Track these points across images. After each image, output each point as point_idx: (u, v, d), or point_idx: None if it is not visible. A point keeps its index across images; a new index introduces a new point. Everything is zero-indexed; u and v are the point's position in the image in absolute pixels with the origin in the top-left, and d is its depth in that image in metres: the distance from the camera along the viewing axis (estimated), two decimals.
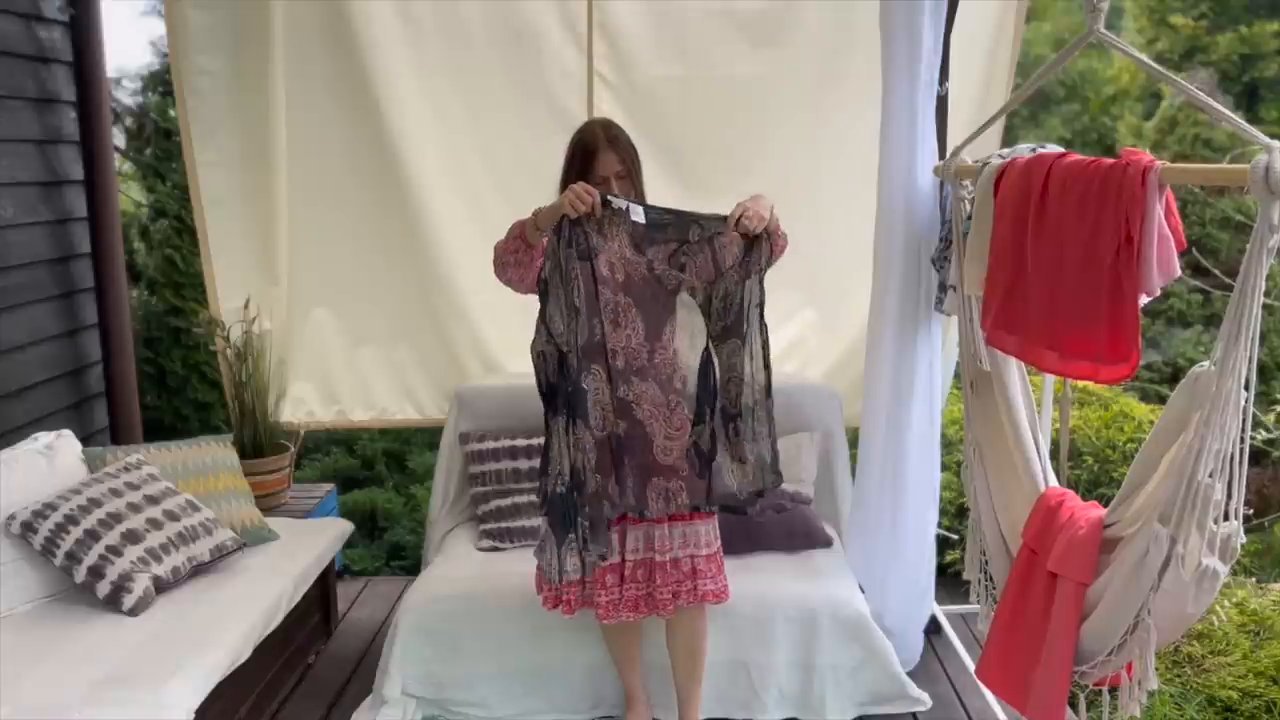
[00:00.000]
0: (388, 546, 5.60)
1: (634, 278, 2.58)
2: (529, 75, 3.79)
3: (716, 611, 2.89)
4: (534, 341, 2.57)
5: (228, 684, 2.69)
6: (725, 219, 2.54)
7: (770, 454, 2.64)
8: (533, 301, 4.25)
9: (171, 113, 6.30)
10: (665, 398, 2.61)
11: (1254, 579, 4.19)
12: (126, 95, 7.42)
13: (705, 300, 2.60)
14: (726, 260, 2.57)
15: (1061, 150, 2.36)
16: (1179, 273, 2.01)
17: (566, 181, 2.71)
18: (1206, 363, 1.89)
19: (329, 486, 4.35)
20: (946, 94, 3.17)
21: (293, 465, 4.11)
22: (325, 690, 3.31)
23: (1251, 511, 2.00)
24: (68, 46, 3.87)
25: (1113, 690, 2.21)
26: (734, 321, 2.57)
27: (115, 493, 2.97)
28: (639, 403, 2.60)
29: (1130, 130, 10.41)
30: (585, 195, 2.49)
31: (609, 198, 2.54)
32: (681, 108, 3.81)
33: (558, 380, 2.55)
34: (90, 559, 2.79)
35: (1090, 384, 4.83)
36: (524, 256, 2.64)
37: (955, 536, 4.30)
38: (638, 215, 2.55)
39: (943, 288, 2.98)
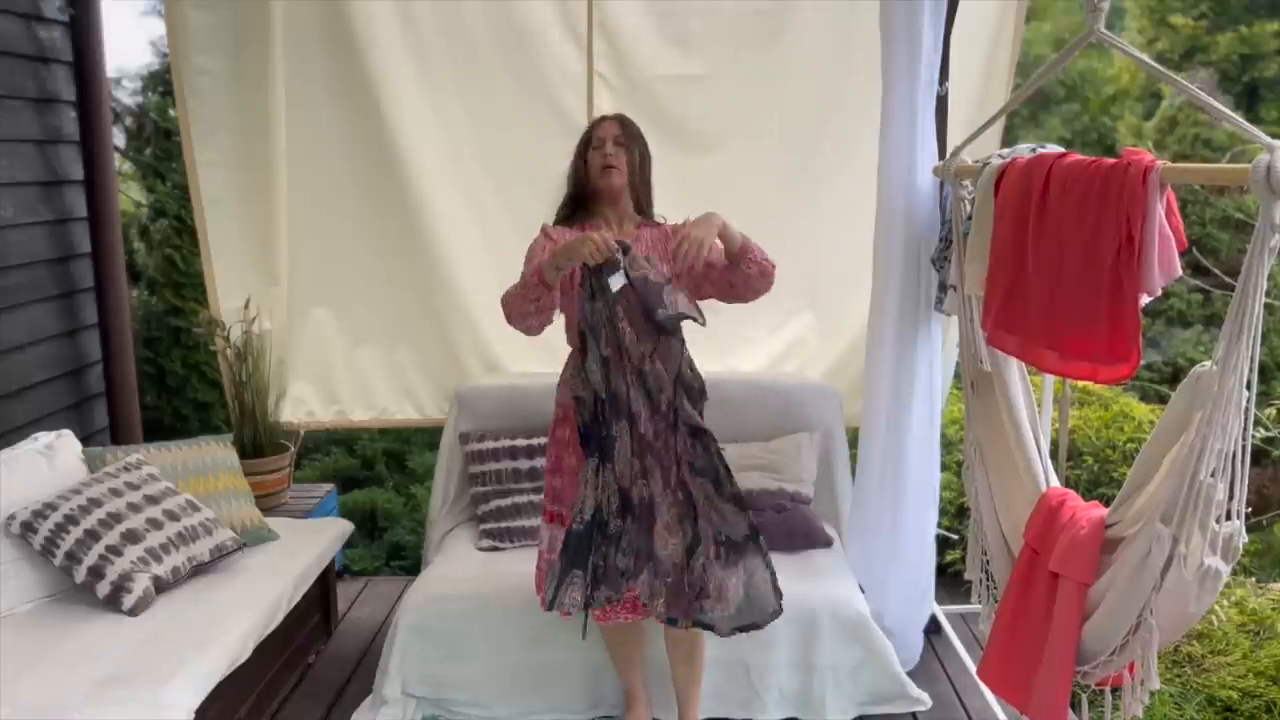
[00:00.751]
0: (388, 546, 5.61)
1: (633, 357, 2.55)
2: (529, 75, 3.79)
3: None
4: (573, 384, 2.60)
5: (228, 684, 2.69)
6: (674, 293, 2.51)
7: (767, 582, 2.57)
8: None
9: (171, 113, 6.30)
10: (666, 489, 2.58)
11: (1254, 579, 4.19)
12: (126, 95, 7.42)
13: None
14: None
15: (1062, 150, 2.36)
16: (1180, 272, 2.01)
17: (576, 169, 2.78)
18: (1208, 362, 1.89)
19: (329, 486, 4.35)
20: (946, 94, 3.17)
21: (293, 465, 4.11)
22: (325, 690, 3.31)
23: (1250, 510, 2.00)
24: (68, 46, 3.87)
25: (1114, 690, 2.21)
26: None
27: (115, 493, 2.97)
28: (653, 474, 2.58)
29: (1130, 130, 10.41)
30: (605, 243, 2.47)
31: (621, 243, 2.51)
32: (681, 107, 3.81)
33: (593, 424, 2.55)
34: (90, 559, 2.79)
35: (1090, 384, 4.83)
36: (545, 301, 2.61)
37: (955, 536, 4.30)
38: (617, 281, 2.48)
39: (943, 288, 2.98)
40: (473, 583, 3.17)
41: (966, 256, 2.62)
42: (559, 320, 4.14)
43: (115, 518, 2.88)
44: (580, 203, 2.81)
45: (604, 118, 2.83)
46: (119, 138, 6.95)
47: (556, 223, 2.82)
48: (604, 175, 2.72)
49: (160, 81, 6.98)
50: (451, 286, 3.94)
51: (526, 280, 2.60)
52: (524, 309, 2.61)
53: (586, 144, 2.77)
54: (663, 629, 2.87)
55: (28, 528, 2.80)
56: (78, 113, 3.91)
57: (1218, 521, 1.89)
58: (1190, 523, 1.88)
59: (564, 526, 2.70)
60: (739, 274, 2.63)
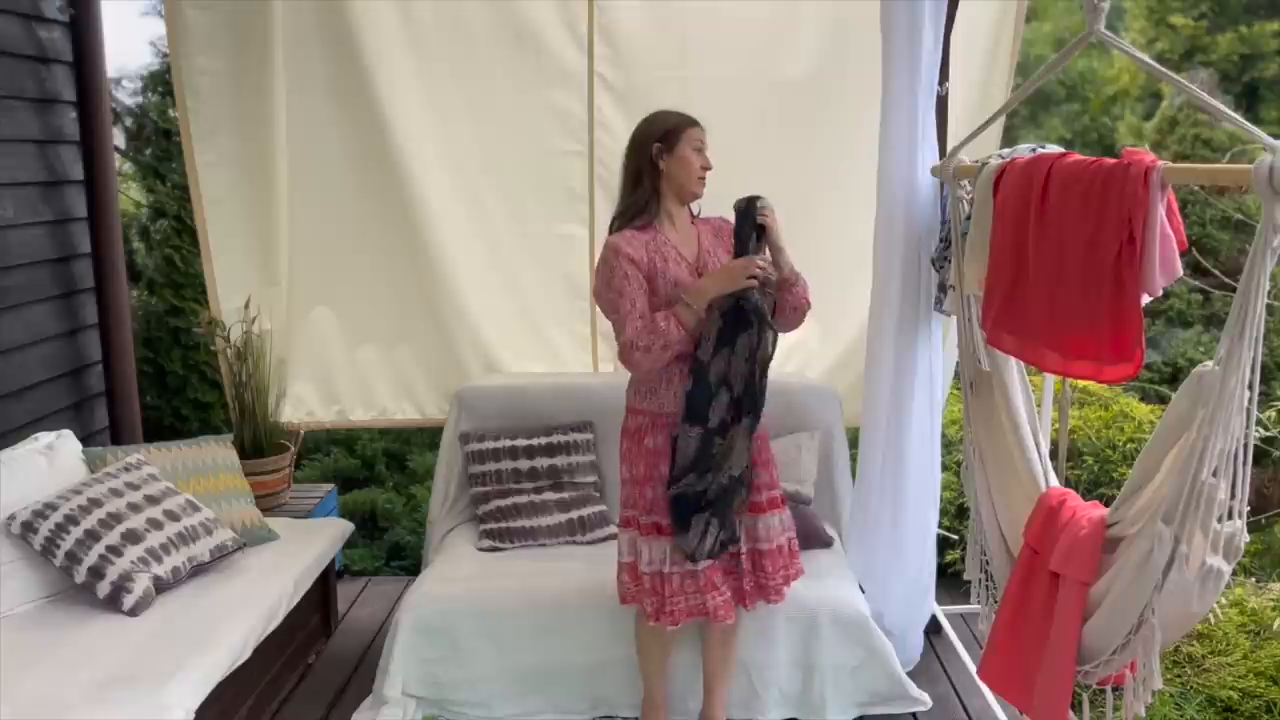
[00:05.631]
0: (388, 546, 5.59)
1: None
2: (529, 75, 3.79)
3: None
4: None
5: (228, 684, 2.69)
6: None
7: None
8: (534, 303, 4.22)
9: (171, 113, 6.29)
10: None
11: (1254, 579, 4.19)
12: (126, 95, 7.40)
13: None
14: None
15: (1062, 150, 2.36)
16: (1180, 272, 2.01)
17: (655, 160, 2.67)
18: (1210, 362, 1.89)
19: (329, 486, 4.35)
20: (946, 94, 3.18)
21: (293, 465, 4.11)
22: (325, 690, 3.31)
23: (1250, 510, 2.00)
24: (68, 46, 3.86)
25: (1115, 690, 2.21)
26: None
27: (115, 493, 2.97)
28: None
29: (1130, 130, 10.41)
30: (760, 264, 2.54)
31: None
32: (681, 108, 3.80)
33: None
34: (90, 559, 2.79)
35: (1090, 384, 4.83)
36: (687, 346, 2.61)
37: (955, 536, 4.30)
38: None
39: (943, 288, 2.98)
40: (473, 583, 3.17)
41: (965, 256, 2.63)
42: (563, 315, 4.14)
43: (115, 518, 2.88)
44: (651, 197, 2.69)
45: (692, 120, 2.71)
46: (119, 138, 6.94)
47: (624, 226, 2.68)
48: (700, 182, 2.69)
49: (160, 81, 6.96)
50: (452, 286, 3.94)
51: (669, 339, 2.55)
52: (664, 359, 2.59)
53: (672, 140, 2.66)
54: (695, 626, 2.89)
55: (28, 528, 2.80)
56: (78, 113, 3.91)
57: (1219, 521, 1.89)
58: (1192, 522, 1.89)
59: (662, 536, 2.68)
60: (779, 302, 2.68)
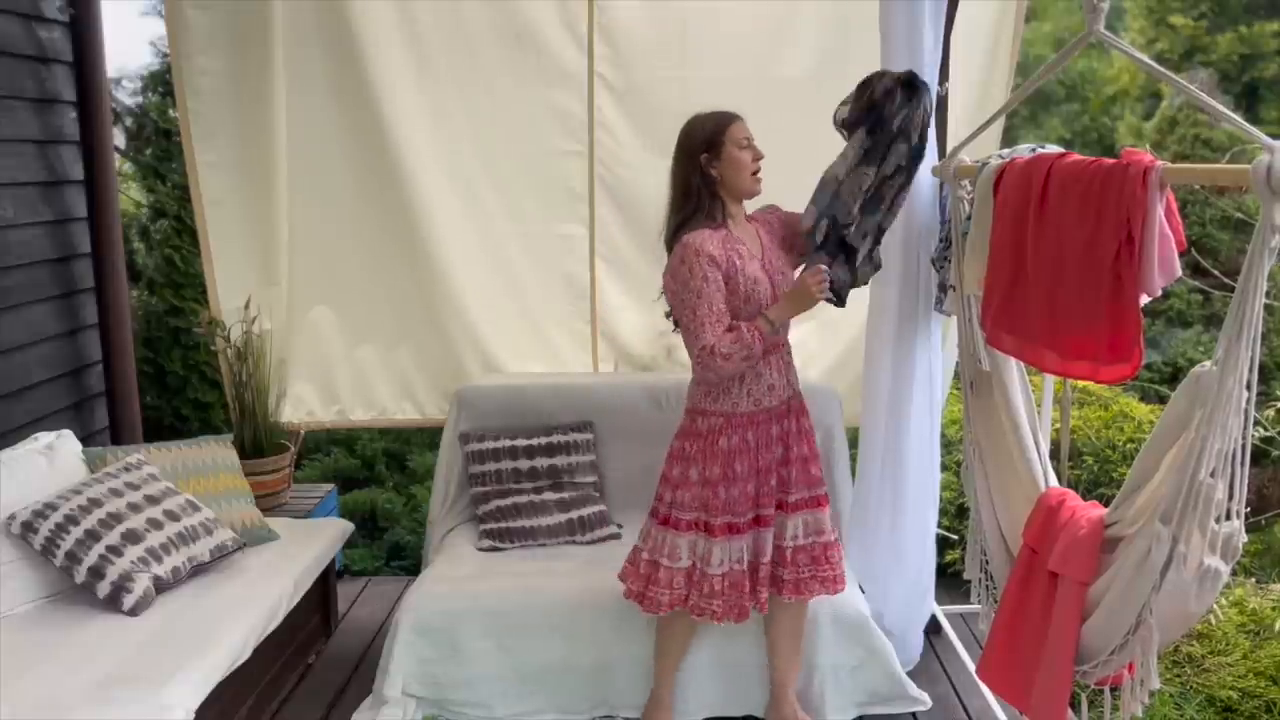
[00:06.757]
0: (388, 546, 5.59)
1: None
2: (529, 76, 3.80)
3: None
4: None
5: (228, 684, 2.69)
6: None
7: None
8: (534, 303, 4.22)
9: (171, 113, 6.29)
10: None
11: (1254, 579, 4.19)
12: (126, 95, 7.40)
13: None
14: None
15: (1061, 150, 2.36)
16: (1179, 273, 2.01)
17: (705, 167, 2.66)
18: (1208, 363, 1.89)
19: (329, 486, 4.35)
20: (946, 94, 3.17)
21: (293, 465, 4.11)
22: (325, 690, 3.31)
23: (1250, 510, 2.00)
24: (68, 46, 3.87)
25: (1114, 690, 2.21)
26: None
27: (115, 493, 2.97)
28: None
29: (1130, 130, 10.40)
30: (822, 284, 2.59)
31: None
32: (681, 108, 3.78)
33: None
34: (90, 559, 2.79)
35: (1090, 384, 4.83)
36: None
37: (955, 537, 4.30)
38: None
39: (943, 288, 2.98)
40: (473, 583, 3.17)
41: (965, 256, 2.63)
42: (563, 315, 4.14)
43: (115, 518, 2.88)
44: (711, 203, 2.67)
45: (730, 116, 2.70)
46: (119, 138, 6.94)
47: (693, 228, 2.62)
48: (756, 180, 2.69)
49: (160, 81, 6.96)
50: (451, 286, 3.94)
51: (752, 351, 2.57)
52: (742, 369, 2.62)
53: (717, 145, 2.65)
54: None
55: (28, 528, 2.80)
56: (78, 113, 3.91)
57: (1217, 521, 1.89)
58: (1190, 522, 1.89)
59: (740, 534, 2.68)
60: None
